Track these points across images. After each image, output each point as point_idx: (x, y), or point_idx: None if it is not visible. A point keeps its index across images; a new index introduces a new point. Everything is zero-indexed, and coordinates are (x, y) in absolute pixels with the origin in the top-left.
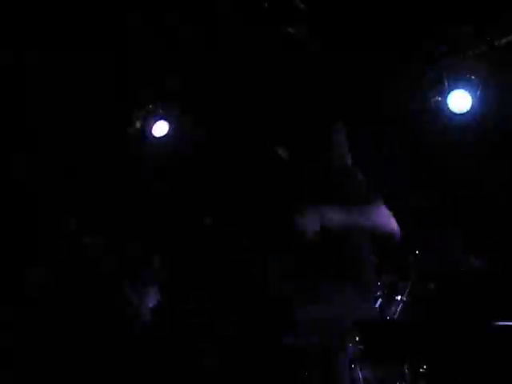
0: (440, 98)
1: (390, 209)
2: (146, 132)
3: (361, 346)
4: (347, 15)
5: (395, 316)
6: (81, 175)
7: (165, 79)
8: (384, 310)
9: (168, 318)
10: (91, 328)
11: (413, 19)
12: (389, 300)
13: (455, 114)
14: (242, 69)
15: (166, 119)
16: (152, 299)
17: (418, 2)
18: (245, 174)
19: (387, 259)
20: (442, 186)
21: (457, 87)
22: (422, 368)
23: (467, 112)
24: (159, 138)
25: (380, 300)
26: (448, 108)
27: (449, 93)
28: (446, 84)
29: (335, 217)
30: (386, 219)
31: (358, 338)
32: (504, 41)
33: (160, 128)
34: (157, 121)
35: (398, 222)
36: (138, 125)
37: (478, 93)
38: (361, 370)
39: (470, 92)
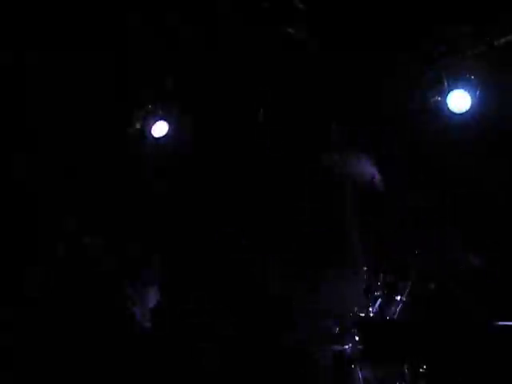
0: (439, 98)
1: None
2: (145, 132)
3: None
4: (346, 15)
5: (395, 316)
6: (81, 175)
7: (165, 79)
8: (384, 310)
9: (168, 318)
10: (91, 328)
11: (412, 19)
12: (389, 300)
13: (454, 114)
14: (242, 69)
15: (165, 119)
16: (152, 299)
17: (417, 2)
18: (244, 174)
19: (387, 259)
20: (440, 185)
21: (456, 87)
22: (422, 368)
23: (466, 112)
24: (159, 138)
25: (380, 300)
26: (447, 108)
27: (448, 93)
28: (445, 84)
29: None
30: (367, 167)
31: (358, 338)
32: (503, 41)
33: (160, 128)
34: (156, 121)
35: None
36: (137, 125)
37: (477, 93)
38: (361, 370)
39: (469, 92)
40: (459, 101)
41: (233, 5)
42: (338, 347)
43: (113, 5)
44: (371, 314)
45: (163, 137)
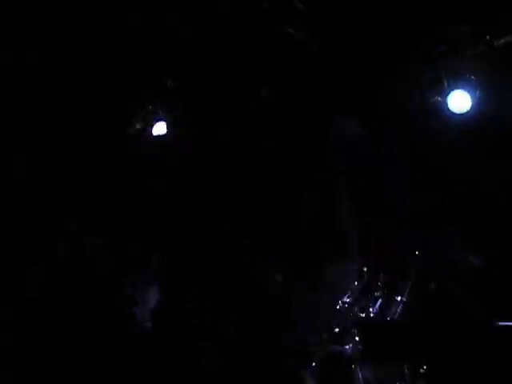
0: (439, 98)
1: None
2: (145, 132)
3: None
4: (346, 15)
5: (395, 316)
6: (81, 175)
7: (165, 79)
8: (384, 311)
9: (168, 318)
10: (91, 328)
11: (411, 19)
12: (389, 300)
13: (454, 114)
14: (242, 69)
15: (165, 119)
16: (152, 299)
17: (416, 2)
18: (244, 173)
19: (387, 259)
20: (440, 185)
21: (456, 87)
22: (422, 368)
23: (466, 112)
24: (159, 138)
25: (380, 300)
26: (447, 108)
27: (448, 93)
28: (445, 84)
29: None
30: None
31: (358, 338)
32: (503, 41)
33: (160, 128)
34: (157, 121)
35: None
36: (137, 125)
37: (477, 93)
38: (361, 370)
39: (469, 92)
40: (459, 101)
41: (233, 5)
42: (338, 347)
43: (113, 5)
44: (371, 315)
45: (163, 137)
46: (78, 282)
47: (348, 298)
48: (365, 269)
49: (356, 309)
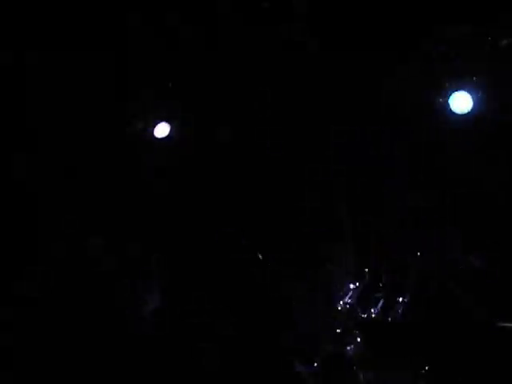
0: (439, 99)
1: None
2: (146, 132)
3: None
4: (346, 15)
5: (396, 317)
6: (81, 175)
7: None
8: (385, 311)
9: (168, 318)
10: (91, 328)
11: (411, 19)
12: (389, 301)
13: (455, 114)
14: (242, 69)
15: (165, 119)
16: (152, 299)
17: (417, 2)
18: (245, 174)
19: (387, 259)
20: (440, 185)
21: (456, 87)
22: (423, 368)
23: (467, 112)
24: (159, 138)
25: (381, 301)
26: (448, 108)
27: (448, 93)
28: (446, 84)
29: None
30: None
31: (359, 339)
32: (504, 41)
33: (159, 128)
34: (156, 121)
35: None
36: (137, 125)
37: (478, 93)
38: (362, 370)
39: (469, 92)
40: (459, 101)
41: (233, 5)
42: (339, 348)
43: (113, 5)
44: (372, 315)
45: (163, 137)
46: (78, 282)
47: (349, 298)
48: (365, 269)
49: (357, 309)
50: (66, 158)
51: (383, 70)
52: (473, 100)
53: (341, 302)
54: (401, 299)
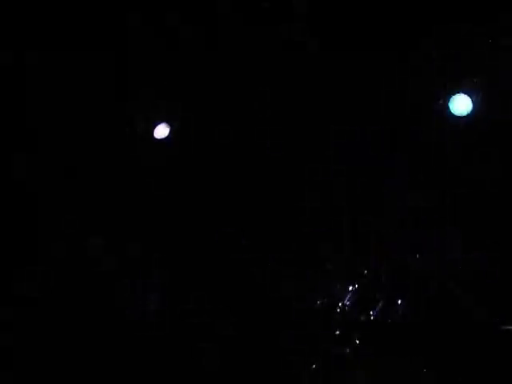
0: (439, 99)
1: None
2: (146, 133)
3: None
4: (346, 15)
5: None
6: (81, 175)
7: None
8: (384, 312)
9: (168, 318)
10: (91, 328)
11: (411, 19)
12: (389, 301)
13: (454, 114)
14: (242, 69)
15: (165, 119)
16: (152, 299)
17: (416, 2)
18: (245, 174)
19: (387, 259)
20: (440, 185)
21: (456, 88)
22: (423, 369)
23: (466, 112)
24: (159, 138)
25: (380, 301)
26: (447, 108)
27: (448, 94)
28: (446, 85)
29: None
30: None
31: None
32: (504, 41)
33: (159, 128)
34: (156, 121)
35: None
36: (138, 125)
37: (478, 93)
38: (361, 371)
39: (469, 92)
40: (459, 101)
41: (233, 5)
42: (338, 348)
43: (113, 5)
44: (372, 316)
45: (163, 137)
46: (78, 282)
47: (349, 298)
48: (365, 269)
49: (357, 309)
50: (65, 157)
51: (383, 69)
52: (473, 100)
53: (340, 303)
54: (400, 299)
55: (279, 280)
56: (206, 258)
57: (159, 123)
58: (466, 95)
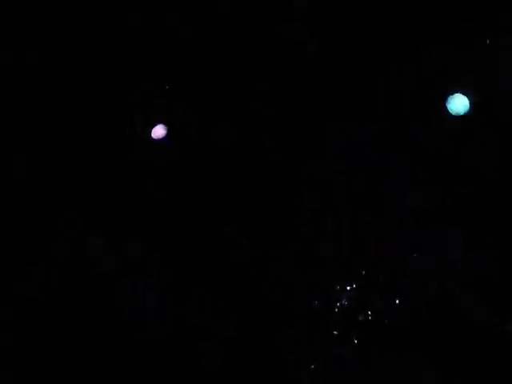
0: (439, 99)
1: None
2: (146, 133)
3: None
4: (346, 15)
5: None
6: (81, 175)
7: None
8: (384, 311)
9: (168, 318)
10: (91, 328)
11: (411, 19)
12: (388, 301)
13: (454, 114)
14: (242, 69)
15: (165, 120)
16: (152, 299)
17: (416, 2)
18: (244, 173)
19: (387, 259)
20: (440, 185)
21: (456, 88)
22: (423, 368)
23: (466, 112)
24: (159, 138)
25: (380, 301)
26: (448, 108)
27: (448, 93)
28: (446, 84)
29: None
30: None
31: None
32: (504, 41)
33: (159, 128)
34: (156, 121)
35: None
36: (138, 126)
37: (478, 93)
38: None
39: (469, 92)
40: (459, 101)
41: (233, 5)
42: (337, 348)
43: (113, 5)
44: (371, 316)
45: (163, 137)
46: (78, 282)
47: (348, 298)
48: (365, 269)
49: (356, 310)
50: (66, 157)
51: (383, 69)
52: (472, 100)
53: (340, 303)
54: (400, 299)
55: (279, 280)
56: (206, 258)
57: (159, 123)
58: (465, 95)
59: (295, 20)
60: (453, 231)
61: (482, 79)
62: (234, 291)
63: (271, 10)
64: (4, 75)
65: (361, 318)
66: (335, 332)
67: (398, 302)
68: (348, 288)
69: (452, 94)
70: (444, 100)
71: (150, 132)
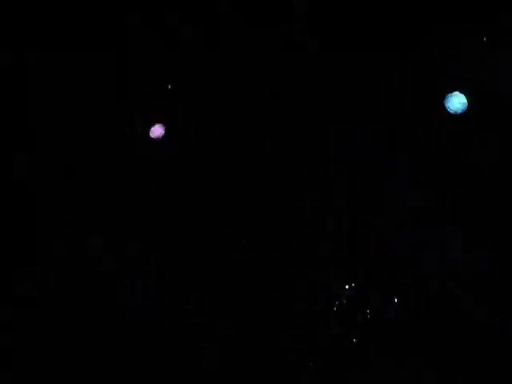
0: (439, 98)
1: None
2: (146, 132)
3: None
4: (346, 15)
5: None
6: (81, 175)
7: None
8: (383, 311)
9: (168, 318)
10: (91, 328)
11: (411, 19)
12: (388, 301)
13: (454, 114)
14: (242, 69)
15: (165, 120)
16: (152, 299)
17: (416, 2)
18: (244, 173)
19: (387, 259)
20: (440, 185)
21: (456, 88)
22: (423, 368)
23: (466, 112)
24: (159, 138)
25: (379, 301)
26: (448, 108)
27: (448, 93)
28: (446, 84)
29: None
30: None
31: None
32: (504, 41)
33: (159, 128)
34: (156, 121)
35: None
36: (138, 125)
37: (478, 93)
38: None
39: (468, 92)
40: (459, 101)
41: (233, 5)
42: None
43: (113, 5)
44: (370, 316)
45: (163, 137)
46: (78, 282)
47: (348, 298)
48: (365, 269)
49: (356, 310)
50: (66, 157)
51: (383, 69)
52: (472, 100)
53: (340, 303)
54: (400, 299)
55: (279, 280)
56: (206, 258)
57: (159, 123)
58: (465, 95)
59: (295, 20)
60: (453, 231)
61: (482, 79)
62: (233, 291)
63: (271, 10)
64: (4, 75)
65: (361, 317)
66: (335, 332)
67: (397, 301)
68: (348, 288)
69: (453, 93)
70: (444, 99)
71: (152, 131)
